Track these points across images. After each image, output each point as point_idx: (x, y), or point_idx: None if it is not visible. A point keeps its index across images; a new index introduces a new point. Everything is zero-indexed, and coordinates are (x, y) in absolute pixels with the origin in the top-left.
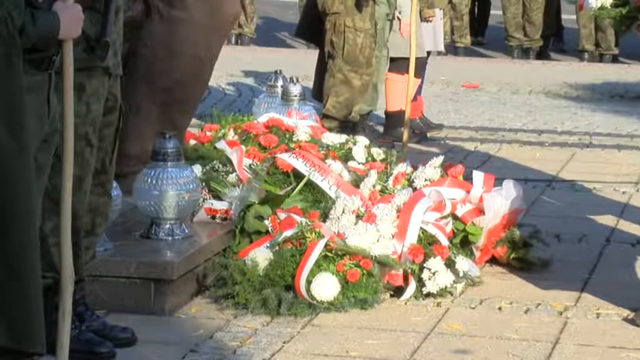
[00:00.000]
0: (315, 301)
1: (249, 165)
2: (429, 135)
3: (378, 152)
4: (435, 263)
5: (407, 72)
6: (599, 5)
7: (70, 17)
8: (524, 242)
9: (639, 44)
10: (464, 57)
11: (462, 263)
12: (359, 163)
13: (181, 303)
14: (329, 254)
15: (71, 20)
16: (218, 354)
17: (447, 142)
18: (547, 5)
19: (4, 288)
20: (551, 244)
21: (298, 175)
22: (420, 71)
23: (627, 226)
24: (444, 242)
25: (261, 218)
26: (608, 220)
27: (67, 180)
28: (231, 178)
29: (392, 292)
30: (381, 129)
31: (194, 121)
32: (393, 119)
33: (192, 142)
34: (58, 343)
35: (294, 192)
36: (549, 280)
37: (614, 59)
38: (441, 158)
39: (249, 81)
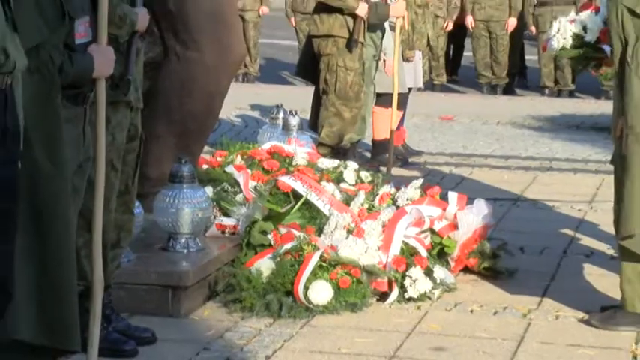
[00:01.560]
0: (311, 305)
1: (254, 186)
2: (410, 160)
3: (366, 175)
4: (416, 272)
5: (391, 106)
6: (560, 46)
7: (104, 59)
8: (493, 253)
9: (593, 81)
10: (440, 92)
11: (439, 272)
12: (349, 185)
13: (195, 307)
14: (323, 264)
15: (104, 61)
16: (227, 351)
17: (426, 166)
18: (512, 47)
19: (45, 295)
20: (517, 255)
21: (297, 196)
22: (402, 105)
23: (582, 240)
24: (424, 253)
25: (264, 233)
26: (565, 234)
27: (99, 200)
28: (239, 198)
29: (378, 297)
30: (368, 155)
31: (206, 148)
32: (379, 147)
33: (205, 166)
34: (89, 342)
35: (293, 210)
36: (515, 286)
37: (571, 94)
38: (420, 180)
39: (255, 114)
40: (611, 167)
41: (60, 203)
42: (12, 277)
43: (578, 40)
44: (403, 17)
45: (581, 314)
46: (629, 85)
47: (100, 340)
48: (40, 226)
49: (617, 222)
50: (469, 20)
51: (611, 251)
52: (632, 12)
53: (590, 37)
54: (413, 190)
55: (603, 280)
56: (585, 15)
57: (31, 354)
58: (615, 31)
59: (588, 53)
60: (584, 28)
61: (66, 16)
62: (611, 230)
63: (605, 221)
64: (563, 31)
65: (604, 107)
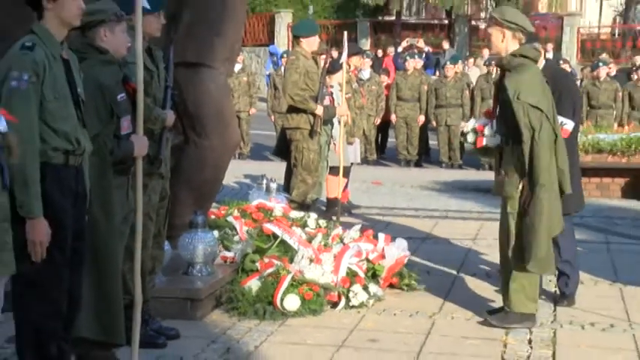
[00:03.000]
0: (286, 311)
1: (247, 230)
2: (352, 211)
3: (322, 222)
4: (357, 288)
5: (339, 174)
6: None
7: (141, 144)
8: (409, 275)
9: (474, 159)
10: (372, 166)
11: (373, 287)
12: (311, 229)
13: (206, 313)
14: (294, 283)
15: (141, 146)
16: (228, 343)
17: (363, 215)
18: (421, 135)
19: (101, 306)
20: (424, 276)
21: (276, 236)
22: (346, 174)
23: (469, 265)
24: (362, 275)
25: (253, 262)
26: (457, 261)
27: (138, 240)
28: (236, 238)
29: (331, 305)
30: (324, 208)
31: (214, 204)
32: (331, 203)
33: (213, 217)
34: (132, 339)
35: (273, 246)
36: (424, 297)
37: (460, 167)
38: (359, 226)
39: (246, 181)
40: (487, 214)
41: (110, 244)
42: (80, 295)
43: None
44: (347, 115)
45: (469, 315)
46: (539, 157)
47: (140, 337)
48: (98, 260)
49: (518, 250)
50: (392, 117)
51: (485, 270)
52: (534, 106)
53: None
54: (354, 232)
55: (484, 292)
56: None
57: (93, 346)
58: (524, 123)
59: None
60: None
61: (114, 115)
62: (488, 257)
63: (484, 251)
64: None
65: (482, 176)
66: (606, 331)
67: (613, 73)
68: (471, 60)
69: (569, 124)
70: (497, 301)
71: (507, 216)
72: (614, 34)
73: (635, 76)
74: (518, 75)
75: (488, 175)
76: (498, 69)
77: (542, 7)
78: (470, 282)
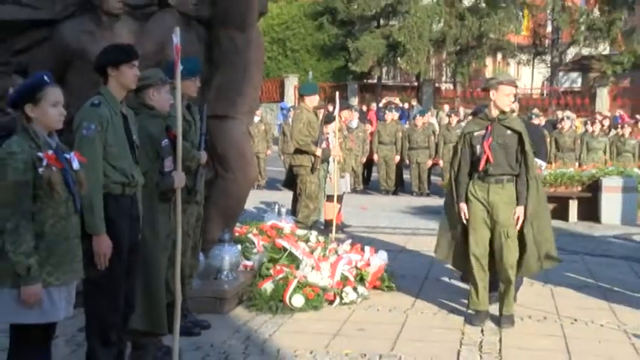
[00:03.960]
0: (293, 307)
1: (263, 244)
2: (344, 230)
3: (321, 238)
4: (348, 289)
5: (334, 201)
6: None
7: (180, 178)
8: (388, 279)
9: (439, 189)
10: (360, 194)
11: (360, 289)
12: (313, 243)
13: (231, 308)
14: (299, 285)
15: (180, 180)
16: (248, 333)
17: (353, 233)
18: (397, 170)
19: (149, 304)
20: (400, 279)
21: (285, 249)
22: (340, 201)
23: (434, 272)
24: (352, 279)
25: (268, 269)
26: (425, 268)
27: (178, 253)
28: (254, 250)
29: (328, 303)
30: (322, 227)
31: (237, 224)
32: (328, 223)
33: (237, 234)
34: (174, 329)
35: (283, 257)
36: (399, 297)
37: (428, 195)
38: (350, 240)
39: (262, 206)
40: None
41: (157, 255)
42: (134, 295)
43: None
44: (339, 155)
45: (435, 310)
46: (541, 190)
47: (180, 327)
48: (147, 268)
49: (532, 259)
50: (375, 157)
51: (447, 275)
52: (534, 152)
53: None
54: (346, 246)
55: (446, 292)
56: None
57: (143, 335)
58: (532, 165)
59: None
60: None
61: (159, 156)
62: (449, 266)
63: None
64: None
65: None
66: (540, 322)
67: (542, 123)
68: (429, 113)
69: (542, 165)
70: (459, 301)
71: (506, 241)
72: (542, 94)
73: (560, 126)
74: (522, 127)
75: None
76: (495, 122)
77: (488, 73)
78: (435, 285)
